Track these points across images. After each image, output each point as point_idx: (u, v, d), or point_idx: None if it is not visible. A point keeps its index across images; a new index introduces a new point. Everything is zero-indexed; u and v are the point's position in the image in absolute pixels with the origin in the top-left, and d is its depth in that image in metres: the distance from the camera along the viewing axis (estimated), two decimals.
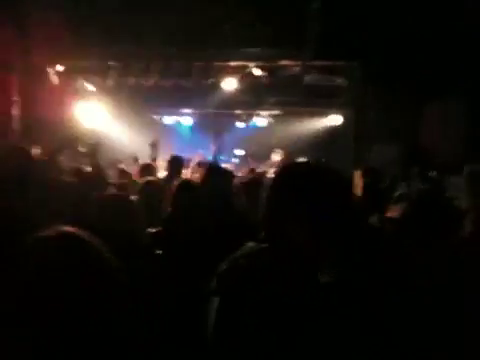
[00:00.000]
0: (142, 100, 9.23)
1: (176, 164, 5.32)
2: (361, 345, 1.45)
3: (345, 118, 9.74)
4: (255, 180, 4.28)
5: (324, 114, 10.29)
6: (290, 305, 1.33)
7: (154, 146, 6.98)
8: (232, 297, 1.38)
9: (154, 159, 6.76)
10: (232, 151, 10.31)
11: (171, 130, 11.50)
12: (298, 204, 1.45)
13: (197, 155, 8.42)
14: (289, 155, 9.15)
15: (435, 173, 5.01)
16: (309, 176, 1.50)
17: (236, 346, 1.33)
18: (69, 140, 6.20)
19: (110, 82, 8.30)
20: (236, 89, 8.68)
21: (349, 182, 3.58)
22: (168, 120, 11.28)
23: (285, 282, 1.36)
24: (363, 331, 1.48)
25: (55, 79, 8.11)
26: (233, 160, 10.11)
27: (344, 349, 1.39)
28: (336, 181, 1.49)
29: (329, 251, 1.45)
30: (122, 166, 6.47)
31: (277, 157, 9.32)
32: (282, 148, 9.44)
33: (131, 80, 8.28)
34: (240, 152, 9.88)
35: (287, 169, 1.66)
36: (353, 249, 1.54)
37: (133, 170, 5.92)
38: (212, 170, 3.43)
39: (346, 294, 1.47)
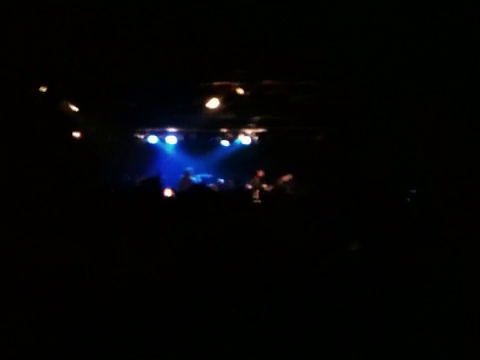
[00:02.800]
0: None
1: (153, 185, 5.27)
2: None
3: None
4: None
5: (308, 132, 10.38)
6: None
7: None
8: None
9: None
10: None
11: (155, 149, 11.50)
12: None
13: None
14: (265, 175, 9.43)
15: None
16: None
17: None
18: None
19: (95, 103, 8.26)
20: (220, 108, 8.71)
21: None
22: (152, 139, 11.25)
23: None
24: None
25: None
26: (220, 180, 10.25)
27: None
28: None
29: None
30: None
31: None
32: (262, 168, 9.67)
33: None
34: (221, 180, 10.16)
35: None
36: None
37: None
38: None
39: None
